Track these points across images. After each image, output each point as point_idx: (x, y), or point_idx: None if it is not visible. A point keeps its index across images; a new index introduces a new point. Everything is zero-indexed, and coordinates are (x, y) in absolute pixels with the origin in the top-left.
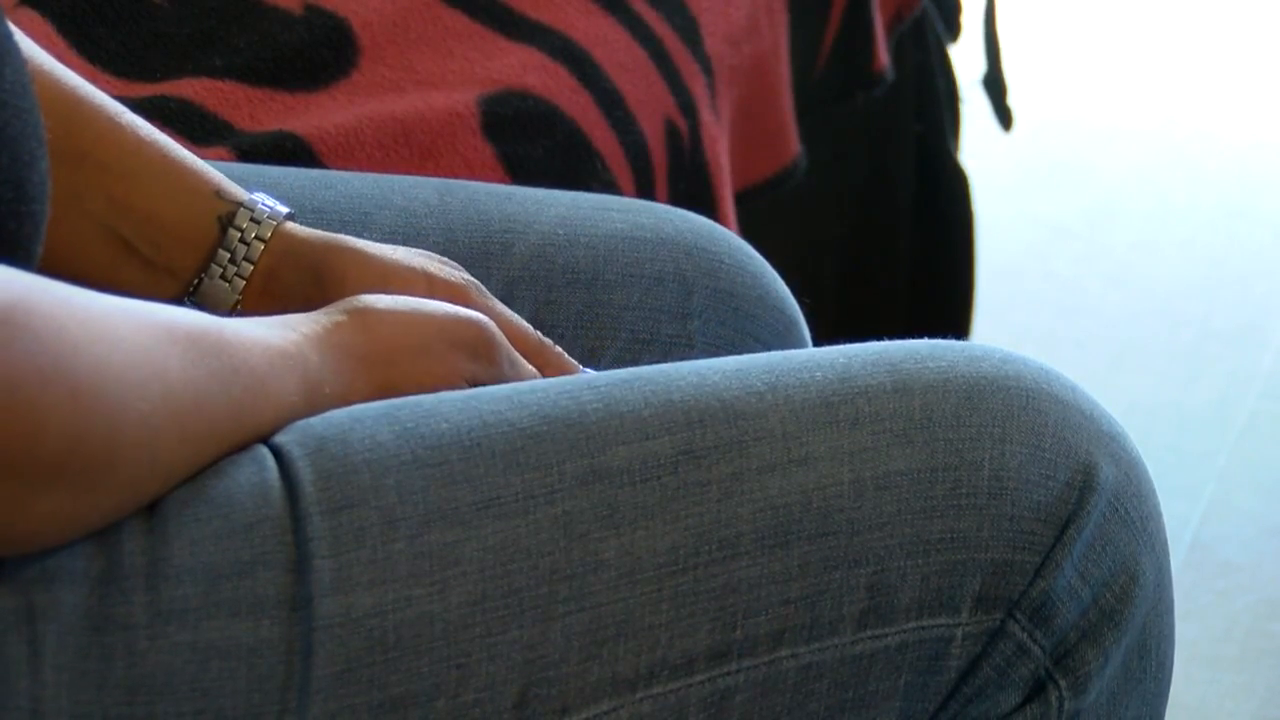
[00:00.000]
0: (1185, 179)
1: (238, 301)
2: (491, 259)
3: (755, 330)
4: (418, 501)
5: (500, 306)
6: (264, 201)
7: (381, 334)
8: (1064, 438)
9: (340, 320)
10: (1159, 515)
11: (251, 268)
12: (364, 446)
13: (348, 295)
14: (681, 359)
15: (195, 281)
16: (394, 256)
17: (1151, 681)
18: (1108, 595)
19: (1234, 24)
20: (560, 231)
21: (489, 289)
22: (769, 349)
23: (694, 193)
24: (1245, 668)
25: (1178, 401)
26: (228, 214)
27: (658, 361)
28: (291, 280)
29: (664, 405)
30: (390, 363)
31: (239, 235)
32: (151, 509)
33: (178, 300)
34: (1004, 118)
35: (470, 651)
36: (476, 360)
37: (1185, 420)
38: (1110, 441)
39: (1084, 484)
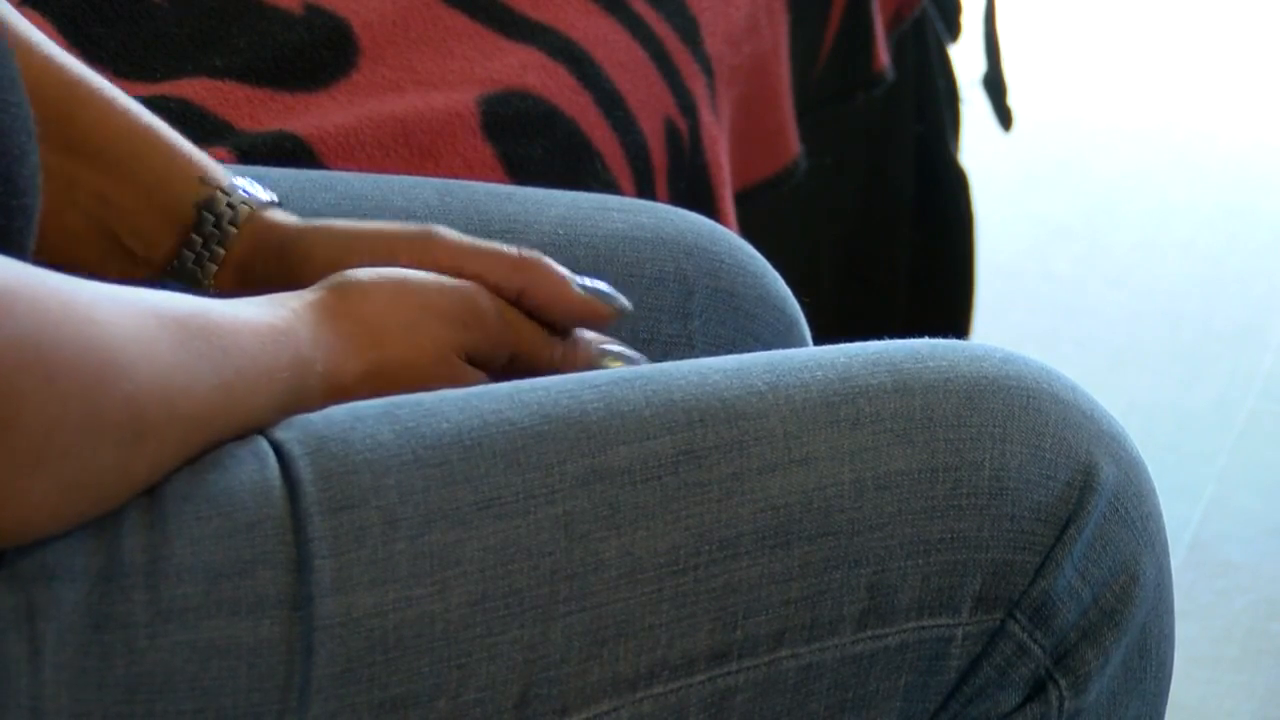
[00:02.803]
0: (1185, 179)
1: (210, 286)
2: None
3: (755, 330)
4: (418, 501)
5: (464, 240)
6: (246, 188)
7: (366, 311)
8: (1064, 438)
9: (325, 298)
10: (1159, 515)
11: (223, 253)
12: (365, 446)
13: (313, 273)
14: (682, 359)
15: (171, 265)
16: (356, 225)
17: (1152, 681)
18: (1108, 595)
19: (1234, 24)
20: (560, 231)
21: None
22: (769, 348)
23: (694, 193)
24: (1245, 668)
25: (1178, 401)
26: (205, 199)
27: (658, 361)
28: (259, 267)
29: (665, 405)
30: (378, 341)
31: (213, 220)
32: (151, 506)
33: (154, 280)
34: (1004, 118)
35: (471, 651)
36: (466, 329)
37: (1185, 420)
38: (1111, 441)
39: (1084, 484)
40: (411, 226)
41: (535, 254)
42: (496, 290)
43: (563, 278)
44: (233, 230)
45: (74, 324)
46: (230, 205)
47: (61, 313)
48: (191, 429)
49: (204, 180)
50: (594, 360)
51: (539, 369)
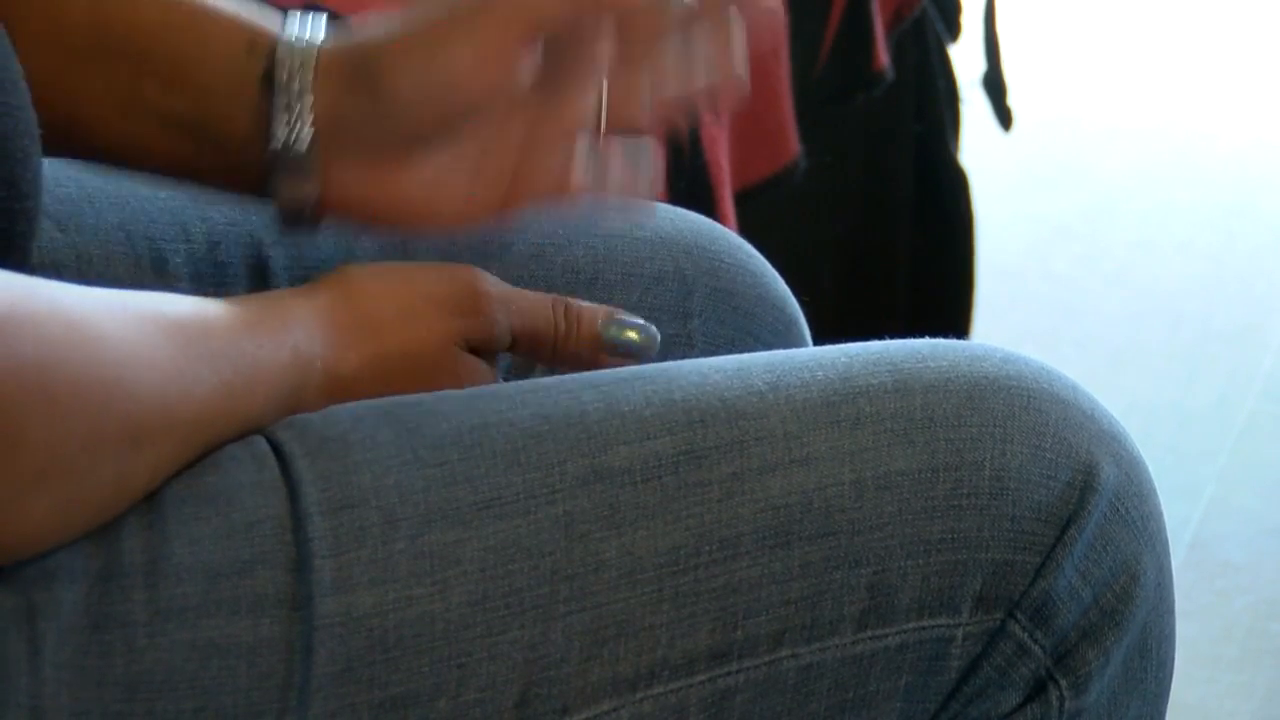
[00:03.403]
0: (1185, 179)
1: (317, 146)
2: (491, 258)
3: (755, 330)
4: (418, 501)
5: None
6: (296, 31)
7: (365, 305)
8: (1065, 438)
9: (323, 294)
10: (1160, 515)
11: (311, 114)
12: (365, 446)
13: (408, 103)
14: (681, 358)
15: (268, 140)
16: (434, 35)
17: (1152, 681)
18: (1109, 595)
19: (1234, 24)
20: (560, 231)
21: None
22: (769, 348)
23: (694, 193)
24: (1245, 668)
25: (1178, 401)
26: (264, 71)
27: (658, 360)
28: (353, 111)
29: (665, 405)
30: (377, 332)
31: (284, 83)
32: (151, 507)
33: (266, 166)
34: (1004, 118)
35: (471, 651)
36: (466, 317)
37: (1185, 420)
38: (1111, 441)
39: (1085, 484)
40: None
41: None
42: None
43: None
44: (309, 94)
45: (76, 342)
46: (290, 64)
47: (64, 331)
48: (191, 433)
49: (253, 48)
50: (600, 333)
51: (542, 348)
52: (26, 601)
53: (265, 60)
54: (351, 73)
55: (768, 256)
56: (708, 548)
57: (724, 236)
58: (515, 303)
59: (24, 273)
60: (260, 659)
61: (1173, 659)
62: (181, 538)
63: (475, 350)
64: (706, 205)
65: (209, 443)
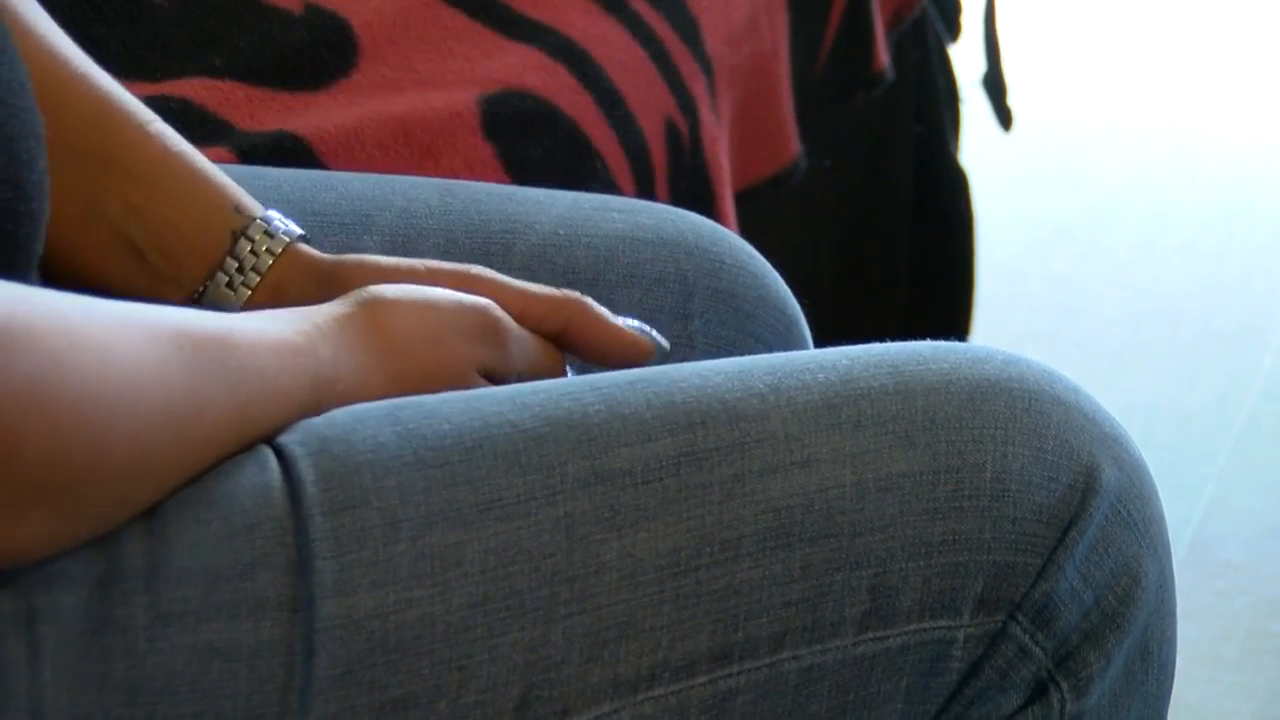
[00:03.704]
0: (1185, 179)
1: (241, 308)
2: (492, 259)
3: (756, 330)
4: (419, 503)
5: (505, 280)
6: (279, 219)
7: (392, 326)
8: (1066, 440)
9: (353, 312)
10: (1161, 518)
11: (259, 278)
12: (366, 447)
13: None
14: (682, 360)
15: (201, 288)
16: (394, 261)
17: (1153, 684)
18: (1110, 597)
19: (1234, 24)
20: (561, 232)
21: None
22: (770, 349)
23: (694, 193)
24: (1245, 668)
25: (1178, 401)
26: (242, 227)
27: (658, 363)
28: (296, 293)
29: (666, 407)
30: (402, 355)
31: (250, 246)
32: (152, 510)
33: (182, 304)
34: (1004, 118)
35: (472, 653)
36: (486, 346)
37: (1185, 420)
38: (1113, 444)
39: (1086, 486)
40: (451, 265)
41: (575, 294)
42: (536, 327)
43: (603, 316)
44: (270, 258)
45: (79, 362)
46: (269, 233)
47: (66, 349)
48: (202, 450)
49: (239, 209)
50: None
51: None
52: (27, 606)
53: (245, 221)
54: (310, 262)
55: (768, 256)
56: (709, 549)
57: (725, 238)
58: (526, 343)
59: (29, 276)
60: (261, 662)
61: (1174, 661)
62: (182, 541)
63: (487, 376)
64: (706, 205)
65: (219, 459)
